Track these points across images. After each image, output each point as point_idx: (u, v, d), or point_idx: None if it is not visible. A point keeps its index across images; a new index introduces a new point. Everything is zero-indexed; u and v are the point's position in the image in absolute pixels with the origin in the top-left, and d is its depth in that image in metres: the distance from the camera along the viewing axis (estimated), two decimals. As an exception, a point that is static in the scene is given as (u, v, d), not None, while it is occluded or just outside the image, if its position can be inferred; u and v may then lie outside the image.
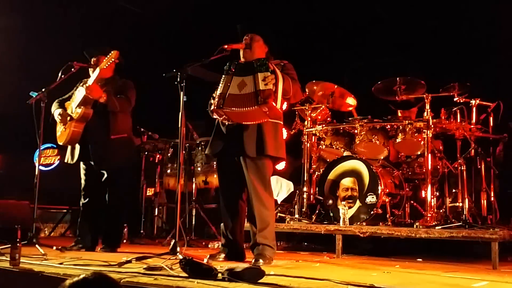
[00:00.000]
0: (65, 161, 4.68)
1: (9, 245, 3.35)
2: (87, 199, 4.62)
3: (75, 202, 4.67)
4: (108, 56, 4.40)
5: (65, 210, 7.37)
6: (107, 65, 4.42)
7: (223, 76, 3.71)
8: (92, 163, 4.52)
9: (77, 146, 4.54)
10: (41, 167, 4.52)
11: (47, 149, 8.08)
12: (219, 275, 2.78)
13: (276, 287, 2.63)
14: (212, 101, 3.78)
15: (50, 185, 6.12)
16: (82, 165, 4.63)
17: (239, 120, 3.71)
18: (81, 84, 4.55)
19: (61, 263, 3.35)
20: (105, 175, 4.54)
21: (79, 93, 4.50)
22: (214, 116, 3.81)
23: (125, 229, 5.78)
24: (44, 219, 7.29)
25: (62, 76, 4.46)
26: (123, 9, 7.10)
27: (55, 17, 6.73)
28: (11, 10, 6.56)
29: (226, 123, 3.79)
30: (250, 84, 3.57)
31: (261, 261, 3.58)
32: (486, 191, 4.80)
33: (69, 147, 4.61)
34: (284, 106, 4.04)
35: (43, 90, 4.39)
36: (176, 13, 7.01)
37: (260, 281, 2.71)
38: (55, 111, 4.63)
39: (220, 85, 3.69)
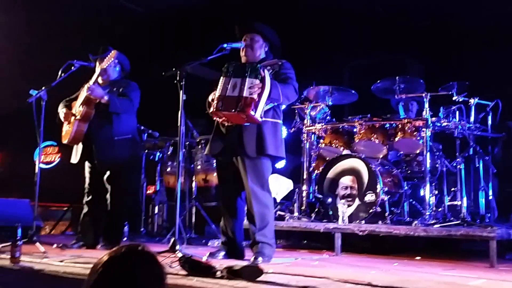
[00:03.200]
0: (71, 161, 4.70)
1: (10, 243, 3.37)
2: (90, 197, 4.65)
3: (76, 200, 4.70)
4: (108, 56, 4.42)
5: (66, 208, 7.40)
6: (107, 64, 4.44)
7: (222, 77, 3.71)
8: (95, 162, 4.55)
9: (81, 146, 4.57)
10: (42, 165, 4.55)
11: (48, 147, 8.11)
12: (218, 273, 2.81)
13: (274, 285, 2.65)
14: (210, 101, 3.79)
15: (51, 183, 6.15)
16: (87, 164, 4.66)
17: (237, 121, 3.73)
18: (87, 84, 4.58)
19: (61, 261, 3.37)
20: (108, 173, 4.57)
21: (84, 92, 4.53)
22: (214, 118, 3.82)
23: (126, 227, 5.79)
24: (45, 216, 7.32)
25: (62, 74, 4.48)
26: (124, 8, 7.11)
27: (56, 15, 6.74)
28: (12, 8, 6.57)
29: (226, 124, 3.81)
30: (238, 87, 3.59)
31: (260, 259, 3.61)
32: (484, 190, 4.82)
33: (74, 147, 4.64)
34: (283, 106, 4.06)
35: (43, 88, 4.41)
36: (177, 11, 7.02)
37: (258, 279, 2.73)
38: (61, 110, 4.67)
39: (219, 87, 3.69)
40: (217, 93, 3.69)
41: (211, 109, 3.71)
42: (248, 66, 3.65)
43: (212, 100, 3.75)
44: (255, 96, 3.55)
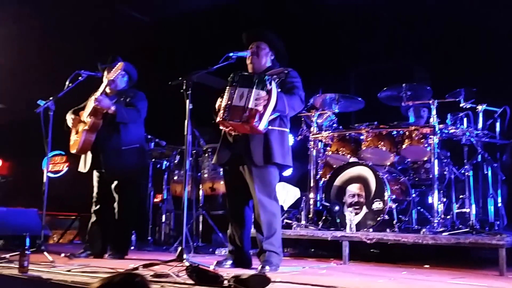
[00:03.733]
0: (79, 169, 4.73)
1: (18, 253, 3.38)
2: (98, 206, 4.68)
3: (84, 209, 4.72)
4: (115, 68, 4.46)
5: (73, 217, 7.44)
6: (114, 75, 4.48)
7: (228, 87, 3.71)
8: (104, 171, 4.58)
9: (90, 155, 4.59)
10: (50, 174, 4.57)
11: (56, 156, 8.17)
12: (225, 282, 2.80)
13: (282, 294, 2.64)
14: (216, 110, 3.80)
15: (59, 192, 6.18)
16: (95, 173, 4.69)
17: (243, 131, 3.73)
18: (94, 94, 4.61)
19: (69, 270, 3.38)
20: (116, 182, 4.60)
21: (91, 102, 4.57)
22: (221, 127, 3.83)
23: (133, 236, 5.80)
24: (53, 225, 7.35)
25: (70, 84, 4.51)
26: (131, 17, 7.15)
27: (65, 26, 6.80)
28: (22, 18, 6.64)
29: (233, 133, 3.82)
30: (245, 97, 3.60)
31: (267, 268, 3.59)
32: (493, 197, 4.78)
33: (82, 156, 4.67)
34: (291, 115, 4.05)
35: (51, 98, 4.45)
36: (183, 20, 7.06)
37: (266, 288, 2.72)
38: (69, 116, 4.70)
39: (225, 96, 3.70)
40: (223, 102, 3.70)
41: (218, 119, 3.72)
42: (256, 77, 3.65)
43: (219, 109, 3.76)
44: (260, 108, 3.56)
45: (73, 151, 4.64)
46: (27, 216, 5.88)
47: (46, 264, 3.69)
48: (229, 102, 3.65)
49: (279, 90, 3.74)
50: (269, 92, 3.59)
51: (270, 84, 3.61)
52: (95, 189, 4.71)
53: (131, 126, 4.62)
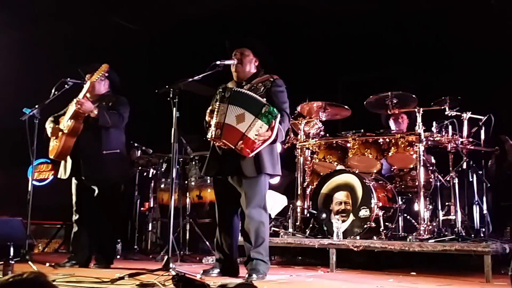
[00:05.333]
0: (58, 176, 4.67)
1: (2, 262, 3.34)
2: (77, 216, 4.58)
3: (70, 218, 4.65)
4: (98, 69, 4.42)
5: (59, 226, 7.35)
6: (97, 77, 4.43)
7: (218, 103, 3.68)
8: (83, 178, 4.51)
9: (70, 161, 4.52)
10: (35, 182, 4.52)
11: (41, 164, 8.08)
12: (212, 291, 2.79)
13: (268, 303, 2.64)
14: (207, 125, 3.79)
15: (44, 200, 6.11)
16: (73, 181, 4.60)
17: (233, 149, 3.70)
18: (76, 98, 4.56)
19: (53, 280, 3.33)
20: (96, 191, 4.52)
21: (72, 107, 4.51)
22: (212, 142, 3.82)
23: (119, 245, 5.75)
24: (38, 234, 7.26)
25: (56, 92, 4.47)
26: (118, 26, 7.14)
27: (49, 33, 6.77)
28: (5, 27, 6.59)
29: (222, 147, 3.80)
30: (247, 124, 3.59)
31: (254, 276, 3.59)
32: (478, 204, 4.81)
33: (62, 162, 4.60)
34: None
35: (36, 106, 4.40)
36: (170, 29, 7.06)
37: (252, 296, 2.71)
38: (48, 125, 4.64)
39: (216, 113, 3.67)
40: (214, 119, 3.67)
41: (209, 135, 3.70)
42: (265, 107, 3.61)
43: (209, 124, 3.74)
44: (258, 143, 3.58)
45: (51, 156, 4.55)
46: (11, 225, 5.79)
47: (30, 274, 3.64)
48: (221, 120, 3.63)
49: (265, 99, 3.73)
50: (271, 130, 3.60)
51: (275, 119, 3.61)
52: (74, 198, 4.61)
53: (113, 131, 4.54)
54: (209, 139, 3.74)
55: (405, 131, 5.37)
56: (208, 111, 3.81)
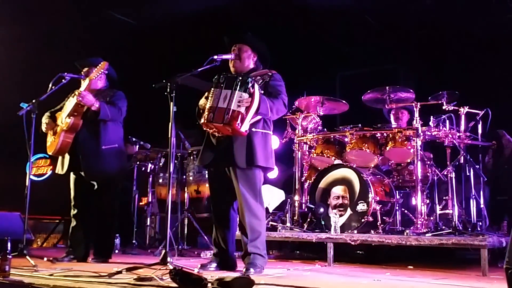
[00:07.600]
0: (56, 171, 4.67)
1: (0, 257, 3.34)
2: (76, 210, 4.59)
3: (68, 212, 4.66)
4: (98, 67, 4.42)
5: (57, 220, 7.37)
6: (96, 75, 4.44)
7: (213, 88, 3.72)
8: (83, 173, 4.51)
9: (67, 156, 4.52)
10: (33, 177, 4.51)
11: (39, 159, 8.07)
12: (209, 285, 2.80)
13: (265, 297, 2.65)
14: (200, 111, 3.80)
15: (42, 195, 6.11)
16: (72, 175, 4.61)
17: (225, 133, 3.72)
18: (72, 95, 4.56)
19: (51, 275, 3.34)
20: (96, 186, 4.53)
21: (70, 103, 4.51)
22: (205, 128, 3.82)
23: (117, 239, 5.76)
24: (37, 229, 7.28)
25: (53, 87, 4.45)
26: (116, 20, 7.12)
27: (47, 29, 6.75)
28: (3, 22, 6.57)
29: (216, 135, 3.81)
30: (227, 99, 3.61)
31: (252, 270, 3.60)
32: (475, 198, 4.84)
33: (59, 157, 4.61)
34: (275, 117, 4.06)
35: (34, 101, 4.39)
36: (168, 24, 7.04)
37: (249, 290, 2.72)
38: (44, 121, 4.63)
39: (210, 98, 3.70)
40: (208, 104, 3.69)
41: (202, 120, 3.72)
42: (238, 79, 3.66)
43: (203, 110, 3.75)
44: (242, 110, 3.57)
45: (50, 152, 4.55)
46: (9, 220, 5.80)
47: (28, 268, 3.65)
48: (214, 104, 3.65)
49: (262, 92, 3.75)
50: (251, 95, 3.60)
51: (253, 87, 3.62)
52: (72, 193, 4.61)
53: (111, 126, 4.55)
54: (201, 123, 3.75)
55: (404, 126, 5.37)
56: (204, 97, 3.83)
